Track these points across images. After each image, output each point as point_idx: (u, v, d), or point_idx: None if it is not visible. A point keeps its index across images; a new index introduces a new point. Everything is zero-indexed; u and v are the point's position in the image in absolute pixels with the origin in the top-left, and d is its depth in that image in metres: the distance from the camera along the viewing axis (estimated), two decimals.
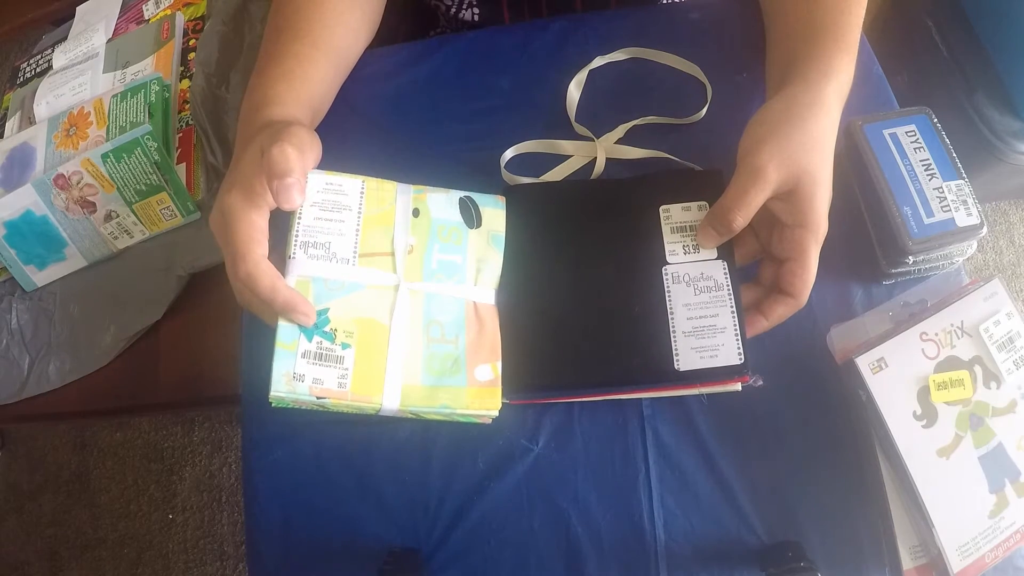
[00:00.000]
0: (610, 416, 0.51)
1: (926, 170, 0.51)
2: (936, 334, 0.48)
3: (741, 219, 0.46)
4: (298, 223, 0.48)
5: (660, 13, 0.66)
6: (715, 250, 0.49)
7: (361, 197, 0.50)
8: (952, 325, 0.48)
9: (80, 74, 0.84)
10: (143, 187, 0.75)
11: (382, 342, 0.48)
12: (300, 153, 0.45)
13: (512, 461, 0.51)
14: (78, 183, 0.75)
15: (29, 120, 0.84)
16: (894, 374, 0.47)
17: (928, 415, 0.46)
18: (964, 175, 0.50)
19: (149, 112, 0.76)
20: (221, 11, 0.85)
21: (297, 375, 0.45)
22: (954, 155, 0.51)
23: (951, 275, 0.53)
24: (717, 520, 0.49)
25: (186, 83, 0.82)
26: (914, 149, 0.51)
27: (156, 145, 0.74)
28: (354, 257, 0.49)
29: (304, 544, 0.52)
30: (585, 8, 0.71)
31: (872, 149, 0.52)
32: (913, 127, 0.52)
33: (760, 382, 0.47)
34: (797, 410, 0.50)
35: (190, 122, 0.80)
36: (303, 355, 0.46)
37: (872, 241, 0.53)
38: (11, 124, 0.86)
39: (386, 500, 0.51)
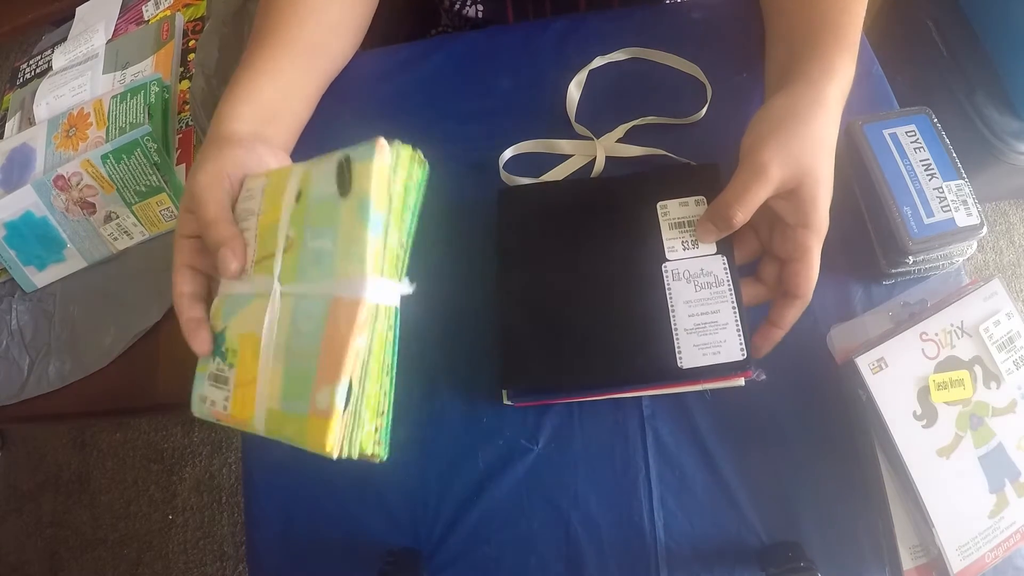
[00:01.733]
0: (610, 416, 0.51)
1: (926, 170, 0.51)
2: (936, 334, 0.48)
3: (741, 215, 0.46)
4: None
5: (661, 13, 0.66)
6: (714, 245, 0.49)
7: (261, 197, 0.44)
8: (952, 325, 0.48)
9: (80, 75, 0.84)
10: (143, 188, 0.76)
11: (255, 358, 0.41)
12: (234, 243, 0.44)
13: (512, 461, 0.51)
14: (78, 184, 0.75)
15: (29, 121, 0.84)
16: (894, 374, 0.47)
17: (928, 415, 0.46)
18: (964, 175, 0.50)
19: (149, 113, 0.76)
20: (221, 12, 0.85)
21: (203, 397, 0.44)
22: (954, 155, 0.51)
23: (951, 275, 0.53)
24: (717, 520, 0.49)
25: (186, 84, 0.82)
26: (914, 149, 0.51)
27: (156, 146, 0.74)
28: (251, 266, 0.43)
29: (304, 544, 0.52)
30: (589, 7, 0.70)
31: (872, 149, 0.52)
32: (913, 127, 0.52)
33: (763, 376, 0.47)
34: (797, 410, 0.50)
35: (190, 123, 0.80)
36: (208, 377, 0.44)
37: (872, 241, 0.53)
38: (11, 125, 0.86)
39: (386, 500, 0.51)
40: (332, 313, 0.37)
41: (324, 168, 0.39)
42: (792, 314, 0.47)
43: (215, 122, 0.52)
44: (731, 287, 0.47)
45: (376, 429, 0.37)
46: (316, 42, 0.59)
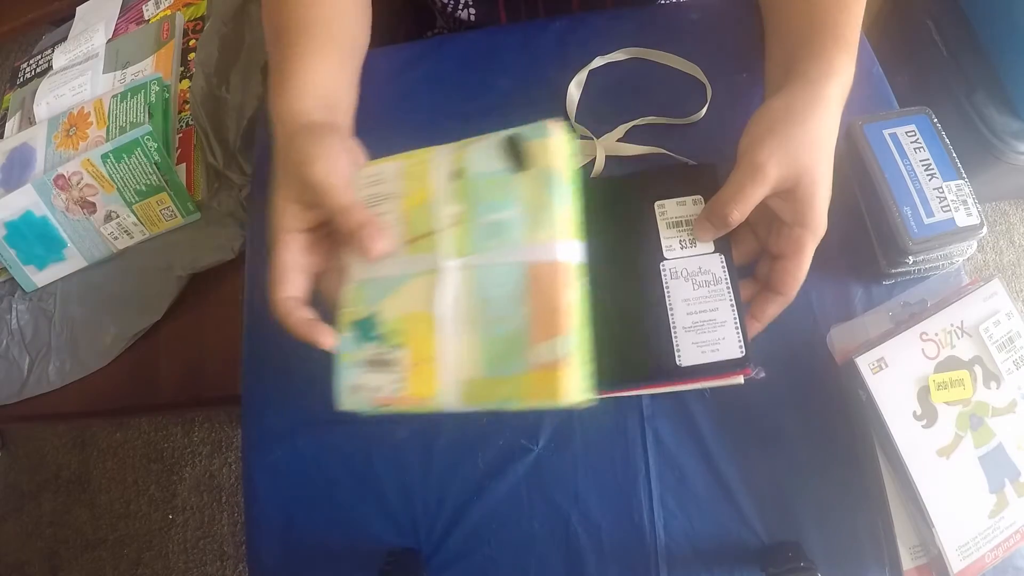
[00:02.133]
0: (610, 416, 0.51)
1: (926, 170, 0.51)
2: (936, 334, 0.48)
3: (738, 214, 0.46)
4: None
5: (660, 13, 0.66)
6: (712, 244, 0.49)
7: (400, 180, 0.45)
8: (952, 325, 0.48)
9: (80, 74, 0.84)
10: (143, 187, 0.76)
11: (430, 336, 0.41)
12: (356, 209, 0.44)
13: (512, 461, 0.51)
14: (78, 183, 0.75)
15: (29, 120, 0.84)
16: (894, 374, 0.47)
17: (928, 415, 0.46)
18: (964, 175, 0.50)
19: (149, 112, 0.76)
20: (221, 11, 0.85)
21: (357, 386, 0.43)
22: (954, 155, 0.51)
23: (951, 275, 0.53)
24: (717, 520, 0.49)
25: (186, 83, 0.82)
26: (914, 149, 0.51)
27: (156, 145, 0.74)
28: (402, 247, 0.43)
29: (304, 544, 0.52)
30: (582, 8, 0.71)
31: (872, 149, 0.52)
32: (913, 127, 0.52)
33: (762, 374, 0.47)
34: (797, 410, 0.50)
35: (190, 122, 0.80)
36: (360, 365, 0.43)
37: (872, 241, 0.53)
38: (11, 124, 0.86)
39: (386, 500, 0.51)
40: (532, 276, 0.39)
41: (483, 149, 0.43)
42: (772, 310, 0.47)
43: (284, 118, 0.51)
44: (729, 285, 0.47)
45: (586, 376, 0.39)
46: (346, 32, 0.59)
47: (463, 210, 0.42)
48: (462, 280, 0.41)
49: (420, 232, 0.43)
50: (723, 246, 0.49)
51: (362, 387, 0.42)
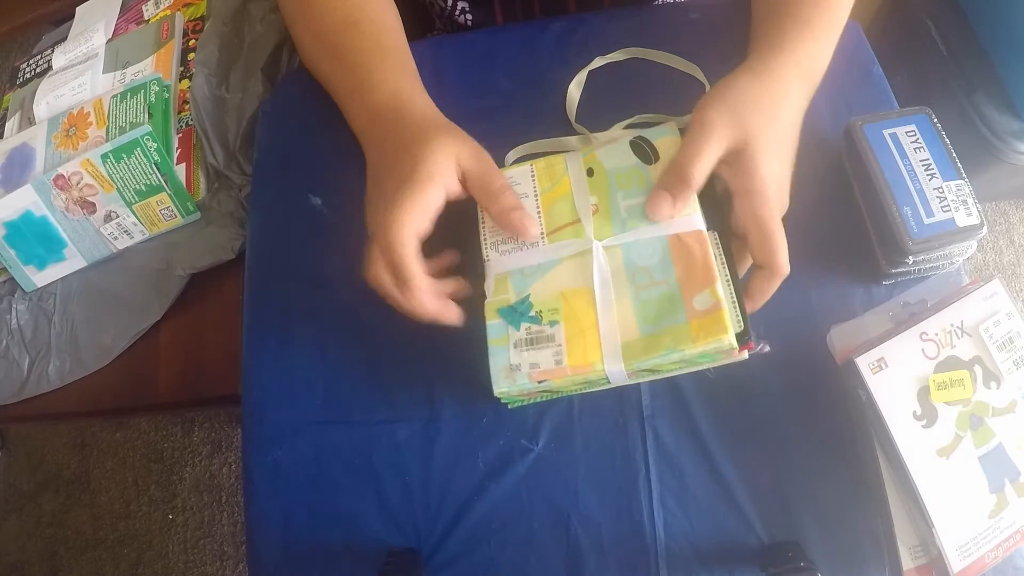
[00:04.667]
0: (610, 416, 0.51)
1: (926, 170, 0.51)
2: (936, 334, 0.48)
3: (697, 172, 0.46)
4: (483, 227, 0.51)
5: (659, 13, 0.66)
6: (705, 221, 0.48)
7: (533, 179, 0.52)
8: (952, 325, 0.48)
9: (80, 74, 0.84)
10: (143, 187, 0.75)
11: (589, 308, 0.47)
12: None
13: (512, 461, 0.51)
14: (78, 183, 0.75)
15: (29, 120, 0.84)
16: (894, 374, 0.47)
17: (928, 415, 0.46)
18: (964, 175, 0.50)
19: (149, 112, 0.76)
20: (221, 11, 0.85)
21: (514, 366, 0.46)
22: (954, 155, 0.51)
23: (951, 275, 0.53)
24: (717, 520, 0.49)
25: (186, 83, 0.82)
26: (914, 149, 0.51)
27: (156, 145, 0.74)
28: (543, 238, 0.49)
29: (304, 544, 0.52)
30: (579, 9, 0.71)
31: (872, 149, 0.52)
32: (913, 127, 0.52)
33: (767, 348, 0.47)
34: (797, 410, 0.50)
35: (190, 122, 0.80)
36: (515, 345, 0.47)
37: (872, 241, 0.53)
38: (11, 124, 0.86)
39: (386, 500, 0.51)
40: (675, 244, 0.47)
41: (614, 149, 0.51)
42: (762, 286, 0.47)
43: (386, 105, 0.54)
44: (723, 262, 0.47)
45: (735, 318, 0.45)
46: (397, 25, 0.62)
47: (602, 199, 0.49)
48: (612, 256, 0.48)
49: (562, 223, 0.50)
50: (717, 222, 0.49)
51: (519, 366, 0.46)
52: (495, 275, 0.49)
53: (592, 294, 0.47)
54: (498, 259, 0.50)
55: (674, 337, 0.45)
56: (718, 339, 0.44)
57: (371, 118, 0.55)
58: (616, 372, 0.46)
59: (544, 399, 0.51)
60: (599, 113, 0.60)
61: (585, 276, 0.48)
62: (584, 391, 0.50)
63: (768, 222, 0.45)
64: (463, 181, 0.49)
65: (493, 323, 0.48)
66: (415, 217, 0.47)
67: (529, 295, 0.48)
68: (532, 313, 0.47)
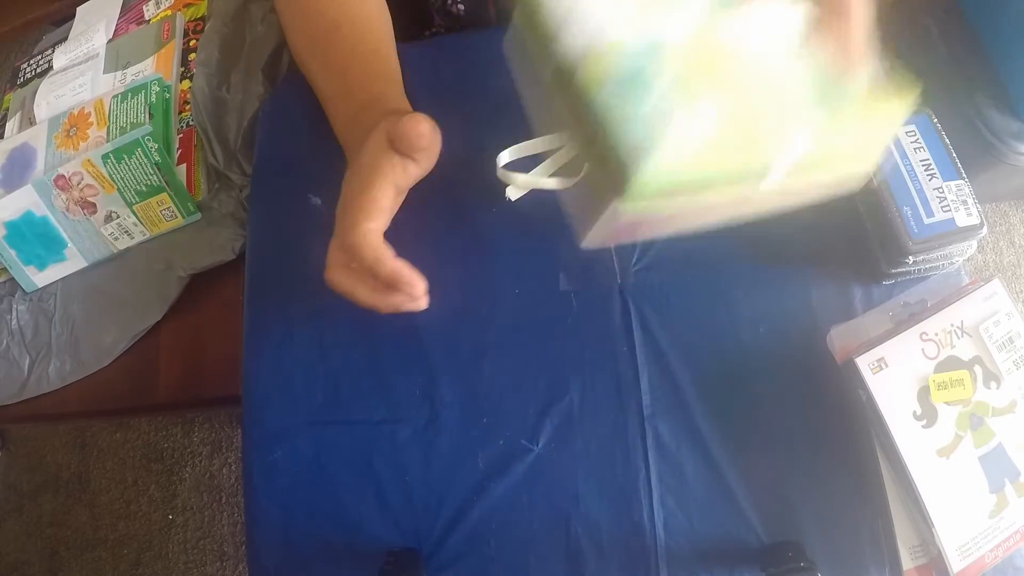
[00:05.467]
0: (610, 416, 0.51)
1: (926, 170, 0.51)
2: (936, 334, 0.48)
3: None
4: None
5: None
6: None
7: None
8: (952, 325, 0.48)
9: (80, 75, 0.84)
10: (143, 188, 0.76)
11: (734, 90, 0.37)
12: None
13: (512, 461, 0.51)
14: (78, 184, 0.75)
15: (29, 121, 0.84)
16: (894, 374, 0.47)
17: (928, 415, 0.46)
18: (964, 175, 0.50)
19: (150, 113, 0.76)
20: (222, 12, 0.85)
21: (654, 138, 0.35)
22: (954, 155, 0.51)
23: (951, 275, 0.53)
24: (717, 520, 0.49)
25: (186, 84, 0.82)
26: (914, 149, 0.51)
27: (157, 146, 0.74)
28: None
29: (304, 544, 0.52)
30: None
31: None
32: (913, 127, 0.52)
33: None
34: (797, 410, 0.50)
35: (191, 123, 0.80)
36: (650, 112, 0.36)
37: (872, 241, 0.53)
38: (11, 125, 0.86)
39: (386, 500, 0.51)
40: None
41: None
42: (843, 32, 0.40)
43: (358, 108, 0.55)
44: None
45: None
46: (387, 31, 0.62)
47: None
48: (732, 28, 0.38)
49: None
50: None
51: (661, 140, 0.35)
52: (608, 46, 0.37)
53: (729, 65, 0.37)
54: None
55: (845, 115, 0.38)
56: (897, 109, 0.39)
57: (347, 124, 0.55)
58: (777, 171, 0.37)
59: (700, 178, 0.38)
60: None
61: (722, 45, 0.37)
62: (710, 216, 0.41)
63: None
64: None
65: (608, 92, 0.36)
66: (380, 215, 0.47)
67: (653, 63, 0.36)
68: (660, 81, 0.36)
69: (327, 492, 0.52)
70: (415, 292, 0.47)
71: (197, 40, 0.85)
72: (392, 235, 0.54)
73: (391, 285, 0.46)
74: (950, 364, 0.47)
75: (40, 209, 0.75)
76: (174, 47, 0.84)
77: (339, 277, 0.48)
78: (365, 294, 0.48)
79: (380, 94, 0.55)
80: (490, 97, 0.63)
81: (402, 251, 0.53)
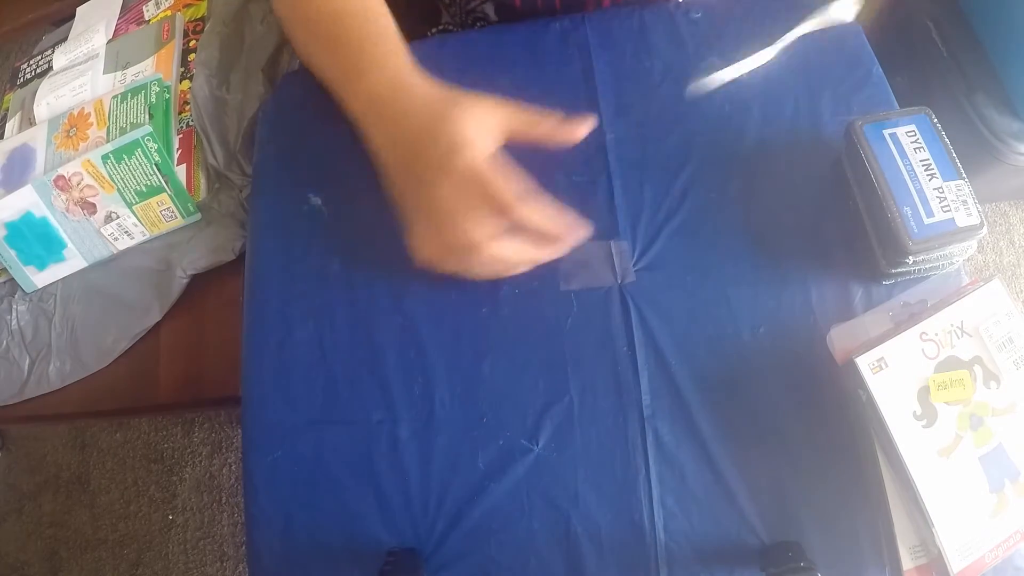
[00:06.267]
0: (610, 416, 0.51)
1: (926, 170, 0.51)
2: (936, 334, 0.48)
3: None
4: None
5: (661, 13, 0.66)
6: None
7: None
8: (952, 325, 0.48)
9: (80, 75, 0.84)
10: (143, 188, 0.76)
11: None
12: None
13: (512, 461, 0.51)
14: (78, 184, 0.75)
15: (29, 121, 0.84)
16: (894, 374, 0.47)
17: (928, 415, 0.46)
18: (964, 175, 0.50)
19: (149, 113, 0.76)
20: (222, 12, 0.85)
21: None
22: (954, 155, 0.51)
23: (951, 275, 0.53)
24: (717, 520, 0.49)
25: (186, 84, 0.82)
26: (914, 149, 0.51)
27: (156, 146, 0.74)
28: None
29: (304, 544, 0.52)
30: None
31: (872, 149, 0.52)
32: (913, 127, 0.52)
33: None
34: (797, 410, 0.50)
35: (190, 123, 0.80)
36: None
37: (872, 241, 0.53)
38: (11, 125, 0.86)
39: (386, 500, 0.51)
40: None
41: None
42: None
43: (420, 87, 0.56)
44: None
45: None
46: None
47: None
48: None
49: None
50: None
51: None
52: None
53: None
54: None
55: None
56: None
57: (369, 100, 0.55)
58: None
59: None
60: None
61: None
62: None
63: None
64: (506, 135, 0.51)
65: None
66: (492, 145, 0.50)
67: None
68: None
69: (327, 492, 0.52)
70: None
71: (197, 40, 0.85)
72: (392, 235, 0.54)
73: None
74: (950, 364, 0.47)
75: (40, 209, 0.75)
76: (174, 47, 0.84)
77: (511, 246, 0.51)
78: (533, 252, 0.52)
79: (399, 71, 0.56)
80: (493, 95, 0.63)
81: (402, 251, 0.53)
